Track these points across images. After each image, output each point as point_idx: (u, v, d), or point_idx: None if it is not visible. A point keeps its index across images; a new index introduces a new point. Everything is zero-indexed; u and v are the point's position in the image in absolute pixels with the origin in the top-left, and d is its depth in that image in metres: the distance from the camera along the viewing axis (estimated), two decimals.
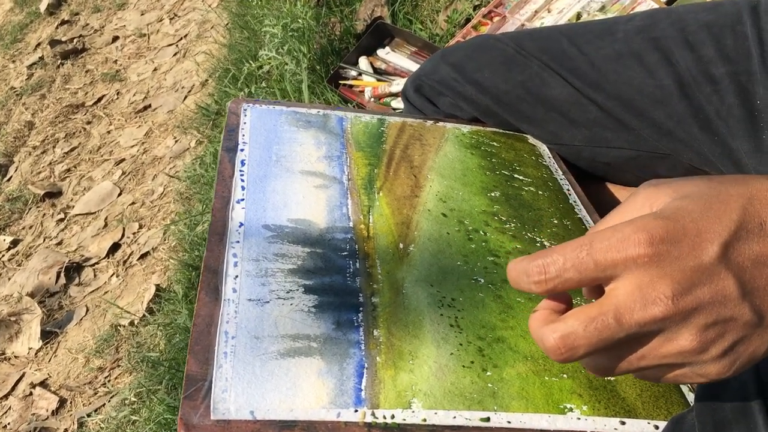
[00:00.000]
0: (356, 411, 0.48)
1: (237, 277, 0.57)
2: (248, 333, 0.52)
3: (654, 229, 0.33)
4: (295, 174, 0.70)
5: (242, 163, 0.70)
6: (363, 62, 1.40)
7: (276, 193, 0.67)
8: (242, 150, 0.72)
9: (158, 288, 1.39)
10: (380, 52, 1.41)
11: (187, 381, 0.48)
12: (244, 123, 0.77)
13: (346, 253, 0.62)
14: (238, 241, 0.61)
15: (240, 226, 0.62)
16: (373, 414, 0.48)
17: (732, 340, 0.34)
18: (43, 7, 2.82)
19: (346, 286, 0.58)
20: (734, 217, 0.33)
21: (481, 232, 0.67)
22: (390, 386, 0.50)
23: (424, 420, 0.48)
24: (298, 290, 0.57)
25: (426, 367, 0.52)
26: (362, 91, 1.36)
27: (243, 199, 0.66)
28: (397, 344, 0.53)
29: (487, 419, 0.49)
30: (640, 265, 0.33)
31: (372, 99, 1.33)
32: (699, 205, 0.34)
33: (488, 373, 0.52)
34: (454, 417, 0.49)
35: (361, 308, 0.56)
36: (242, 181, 0.68)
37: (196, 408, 0.46)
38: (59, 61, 2.47)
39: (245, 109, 0.79)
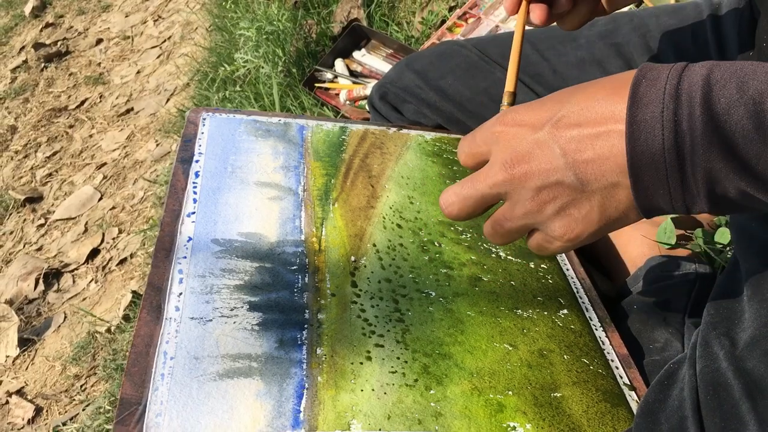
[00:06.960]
0: None
1: (181, 294, 0.56)
2: (188, 353, 0.51)
3: (508, 114, 0.44)
4: (249, 186, 0.69)
5: (196, 174, 0.69)
6: (339, 64, 1.39)
7: (228, 205, 0.66)
8: (197, 161, 0.71)
9: (135, 294, 1.38)
10: (356, 54, 1.40)
11: (120, 405, 0.47)
12: (202, 133, 0.76)
13: (295, 267, 0.61)
14: (185, 257, 0.60)
15: (188, 241, 0.61)
16: None
17: (563, 202, 0.41)
18: (28, 9, 2.80)
19: (293, 303, 0.57)
20: (562, 110, 0.41)
21: (436, 244, 0.66)
22: (330, 407, 0.49)
23: None
24: (242, 307, 0.56)
25: (368, 386, 0.51)
26: (338, 94, 1.35)
27: (194, 213, 0.65)
28: (339, 363, 0.53)
29: None
30: (495, 140, 0.44)
31: (347, 102, 1.32)
32: (540, 102, 0.43)
33: (432, 392, 0.51)
34: None
35: (306, 325, 0.55)
36: (195, 193, 0.67)
37: None
38: (43, 65, 2.45)
39: (204, 119, 0.78)
